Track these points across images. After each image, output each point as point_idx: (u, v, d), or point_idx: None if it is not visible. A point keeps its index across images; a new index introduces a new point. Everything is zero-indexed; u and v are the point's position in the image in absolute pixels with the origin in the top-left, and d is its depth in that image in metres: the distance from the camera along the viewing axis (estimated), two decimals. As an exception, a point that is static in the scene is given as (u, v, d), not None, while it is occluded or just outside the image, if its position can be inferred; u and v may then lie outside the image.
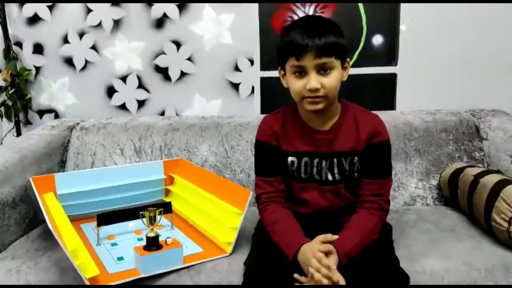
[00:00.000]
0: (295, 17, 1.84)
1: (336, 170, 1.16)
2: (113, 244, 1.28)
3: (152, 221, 1.15)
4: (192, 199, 1.44)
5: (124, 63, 1.95)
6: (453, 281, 1.10)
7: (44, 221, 1.39)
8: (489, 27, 1.77)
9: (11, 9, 1.95)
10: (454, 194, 1.46)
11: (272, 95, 1.91)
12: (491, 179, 1.26)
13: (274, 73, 1.82)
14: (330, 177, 1.16)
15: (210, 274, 1.14)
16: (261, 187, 1.20)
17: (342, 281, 0.95)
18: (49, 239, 1.29)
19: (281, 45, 1.10)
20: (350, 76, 1.15)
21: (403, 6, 1.79)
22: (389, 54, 1.84)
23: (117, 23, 1.92)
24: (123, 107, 1.99)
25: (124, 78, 1.96)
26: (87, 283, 1.01)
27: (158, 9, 1.88)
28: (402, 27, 1.81)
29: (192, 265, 1.15)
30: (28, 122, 2.05)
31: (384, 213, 1.14)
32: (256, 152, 1.24)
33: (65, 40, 1.95)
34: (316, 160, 1.16)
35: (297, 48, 1.04)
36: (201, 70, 1.92)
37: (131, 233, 1.35)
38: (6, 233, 1.34)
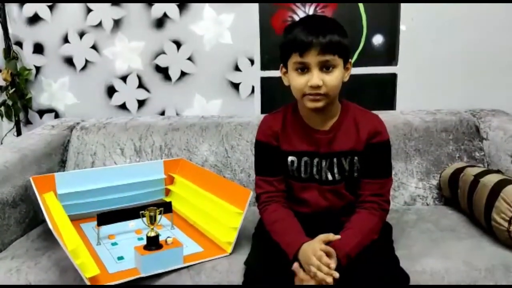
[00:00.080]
0: (295, 17, 1.84)
1: (336, 170, 1.16)
2: (113, 244, 1.28)
3: (152, 220, 1.15)
4: (192, 198, 1.44)
5: (124, 63, 1.95)
6: (453, 281, 1.11)
7: (44, 220, 1.39)
8: (489, 27, 1.77)
9: (11, 8, 1.95)
10: (454, 194, 1.46)
11: (272, 95, 1.91)
12: (491, 179, 1.26)
13: (274, 73, 1.85)
14: (330, 177, 1.16)
15: (210, 273, 1.14)
16: (261, 187, 1.20)
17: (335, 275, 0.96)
18: (49, 239, 1.29)
19: (284, 42, 1.10)
20: (350, 76, 1.15)
21: (403, 6, 1.79)
22: (389, 54, 1.84)
23: (117, 23, 1.92)
24: (123, 107, 1.99)
25: (124, 78, 1.96)
26: (88, 282, 1.01)
27: (158, 9, 1.89)
28: (402, 27, 1.81)
29: (192, 265, 1.15)
30: (28, 122, 2.05)
31: (384, 213, 1.14)
32: (256, 152, 1.24)
33: (65, 40, 1.95)
34: (316, 160, 1.16)
35: (301, 44, 1.04)
36: (201, 70, 1.92)
37: (131, 233, 1.35)
38: (6, 233, 1.34)
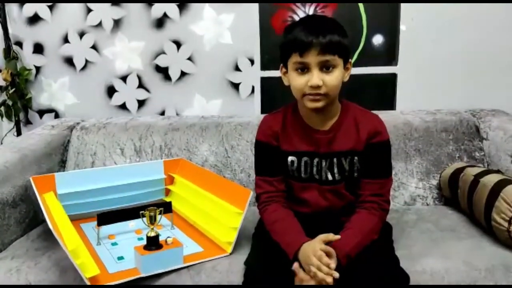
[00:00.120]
0: (295, 17, 1.84)
1: (336, 170, 1.16)
2: (113, 244, 1.28)
3: (152, 220, 1.15)
4: (192, 198, 1.44)
5: (124, 62, 1.95)
6: (453, 281, 1.10)
7: (44, 220, 1.39)
8: (489, 27, 1.77)
9: (12, 8, 1.95)
10: (454, 194, 1.46)
11: (272, 95, 1.91)
12: (491, 179, 1.26)
13: (274, 73, 1.85)
14: (330, 177, 1.16)
15: (210, 273, 1.14)
16: (261, 187, 1.20)
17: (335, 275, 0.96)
18: (49, 239, 1.29)
19: (284, 42, 1.10)
20: (350, 76, 1.15)
21: (403, 6, 1.79)
22: (389, 54, 1.84)
23: (117, 23, 1.92)
24: (123, 106, 1.99)
25: (124, 78, 1.96)
26: (88, 282, 1.01)
27: (158, 9, 1.89)
28: (402, 27, 1.81)
29: (192, 265, 1.15)
30: (28, 122, 2.05)
31: (384, 213, 1.14)
32: (256, 152, 1.24)
33: (65, 40, 1.95)
34: (316, 160, 1.16)
35: (301, 44, 1.04)
36: (201, 70, 1.92)
37: (131, 233, 1.35)
38: (6, 233, 1.34)
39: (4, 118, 2.01)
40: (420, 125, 1.65)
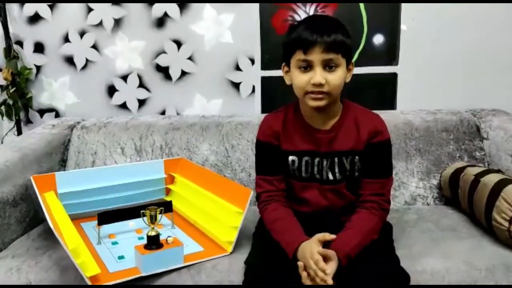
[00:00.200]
0: (296, 17, 1.84)
1: (337, 170, 1.15)
2: (114, 243, 1.28)
3: (152, 220, 1.15)
4: (193, 198, 1.44)
5: (125, 62, 1.95)
6: (454, 281, 1.10)
7: (44, 220, 1.39)
8: (489, 27, 1.77)
9: (12, 8, 1.95)
10: (454, 194, 1.46)
11: (273, 95, 1.91)
12: (491, 179, 1.26)
13: (275, 73, 1.86)
14: (331, 177, 1.16)
15: (210, 273, 1.14)
16: (261, 186, 1.20)
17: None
18: (49, 238, 1.29)
19: (288, 40, 1.10)
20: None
21: (404, 6, 1.79)
22: (390, 53, 1.84)
23: (117, 22, 1.92)
24: (123, 106, 1.99)
25: (124, 77, 1.96)
26: (88, 282, 1.01)
27: (158, 9, 1.89)
28: (403, 27, 1.80)
29: (193, 264, 1.15)
30: (28, 121, 2.05)
31: (384, 213, 1.14)
32: (257, 151, 1.24)
33: (66, 39, 1.95)
34: (317, 159, 1.16)
35: (306, 41, 1.04)
36: (202, 70, 1.92)
37: (131, 232, 1.35)
38: (7, 232, 1.34)
39: (5, 117, 2.01)
40: (420, 125, 1.65)
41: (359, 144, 1.14)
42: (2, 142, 2.04)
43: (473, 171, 1.38)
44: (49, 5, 1.93)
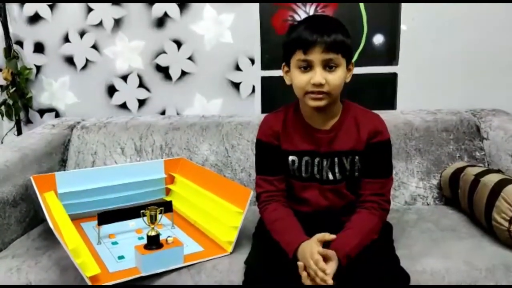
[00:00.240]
0: (296, 17, 1.84)
1: (337, 170, 1.15)
2: (114, 243, 1.28)
3: (152, 220, 1.15)
4: (193, 198, 1.44)
5: (125, 62, 1.95)
6: (454, 281, 1.10)
7: (44, 220, 1.38)
8: (489, 27, 1.77)
9: (12, 8, 1.95)
10: (454, 194, 1.46)
11: (273, 95, 1.91)
12: (491, 179, 1.26)
13: (275, 73, 1.86)
14: (331, 177, 1.16)
15: (210, 273, 1.14)
16: (261, 186, 1.20)
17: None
18: (49, 238, 1.29)
19: (288, 40, 1.10)
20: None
21: (404, 6, 1.79)
22: (390, 53, 1.84)
23: (117, 22, 1.92)
24: (123, 106, 1.99)
25: (124, 77, 1.96)
26: (88, 282, 1.01)
27: (158, 9, 1.89)
28: (403, 27, 1.80)
29: (193, 264, 1.15)
30: (28, 121, 2.05)
31: (384, 213, 1.14)
32: (257, 151, 1.24)
33: (66, 39, 1.95)
34: (317, 159, 1.16)
35: (306, 41, 1.04)
36: (202, 70, 1.92)
37: (131, 232, 1.35)
38: (7, 232, 1.34)
39: (5, 118, 2.01)
40: (420, 125, 1.65)
41: (359, 144, 1.14)
42: (2, 142, 2.04)
43: (473, 171, 1.38)
44: (49, 5, 1.93)
